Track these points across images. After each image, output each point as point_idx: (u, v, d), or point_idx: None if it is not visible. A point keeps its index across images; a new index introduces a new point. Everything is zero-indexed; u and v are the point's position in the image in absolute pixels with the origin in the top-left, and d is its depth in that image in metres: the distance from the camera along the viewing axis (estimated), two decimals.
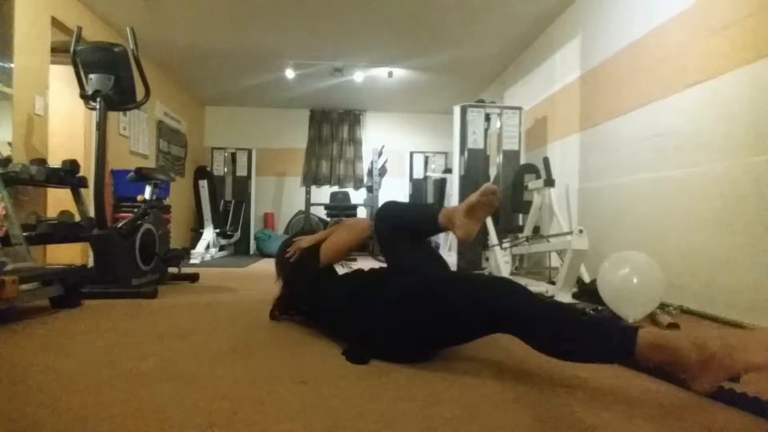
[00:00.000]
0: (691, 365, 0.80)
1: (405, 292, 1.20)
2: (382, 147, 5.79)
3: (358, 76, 5.19)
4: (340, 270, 1.60)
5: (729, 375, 0.78)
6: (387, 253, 1.48)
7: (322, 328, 1.53)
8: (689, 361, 0.80)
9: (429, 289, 1.17)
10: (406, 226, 1.42)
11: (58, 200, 3.08)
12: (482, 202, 1.21)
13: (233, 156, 6.37)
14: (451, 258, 3.99)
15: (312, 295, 1.54)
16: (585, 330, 0.94)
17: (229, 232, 5.88)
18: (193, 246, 5.17)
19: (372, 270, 1.52)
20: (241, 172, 6.33)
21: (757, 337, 0.79)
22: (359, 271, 1.58)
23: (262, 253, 5.82)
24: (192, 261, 4.55)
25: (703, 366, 0.79)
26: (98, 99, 2.34)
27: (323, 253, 1.54)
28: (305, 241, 1.61)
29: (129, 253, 2.43)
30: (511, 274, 3.05)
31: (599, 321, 0.96)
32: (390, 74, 5.11)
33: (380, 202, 5.64)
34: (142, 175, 2.69)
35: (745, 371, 0.76)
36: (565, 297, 2.27)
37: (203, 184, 5.63)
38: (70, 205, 2.80)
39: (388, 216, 1.46)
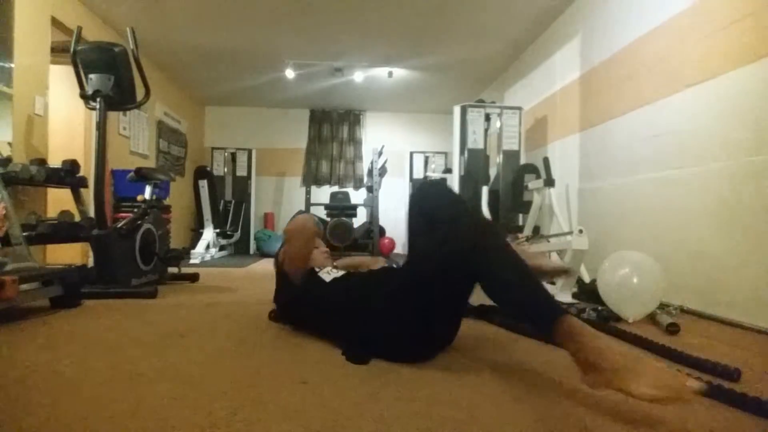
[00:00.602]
0: (586, 364, 0.89)
1: (397, 285, 1.23)
2: (382, 147, 5.79)
3: (358, 76, 5.19)
4: (328, 276, 1.49)
5: (612, 389, 0.85)
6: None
7: (319, 334, 1.48)
8: (587, 360, 0.89)
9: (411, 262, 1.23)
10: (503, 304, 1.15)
11: (58, 200, 3.08)
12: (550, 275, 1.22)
13: (233, 156, 6.37)
14: None
15: (301, 307, 1.51)
16: (527, 302, 1.02)
17: (229, 232, 5.88)
18: (193, 246, 5.16)
19: (366, 272, 1.50)
20: (241, 172, 6.33)
21: (652, 372, 0.82)
22: (350, 274, 1.50)
23: (262, 253, 5.82)
24: (192, 261, 4.55)
25: (595, 370, 0.88)
26: (98, 99, 2.34)
27: (285, 269, 1.52)
28: (281, 255, 1.59)
29: (129, 253, 2.43)
30: None
31: (542, 297, 1.00)
32: (390, 74, 5.11)
33: (381, 203, 5.65)
34: (142, 175, 2.69)
35: (626, 394, 0.83)
36: (565, 297, 2.27)
37: (203, 184, 5.63)
38: (70, 205, 2.80)
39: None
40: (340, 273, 1.49)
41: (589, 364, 0.88)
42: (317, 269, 1.52)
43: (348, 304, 1.33)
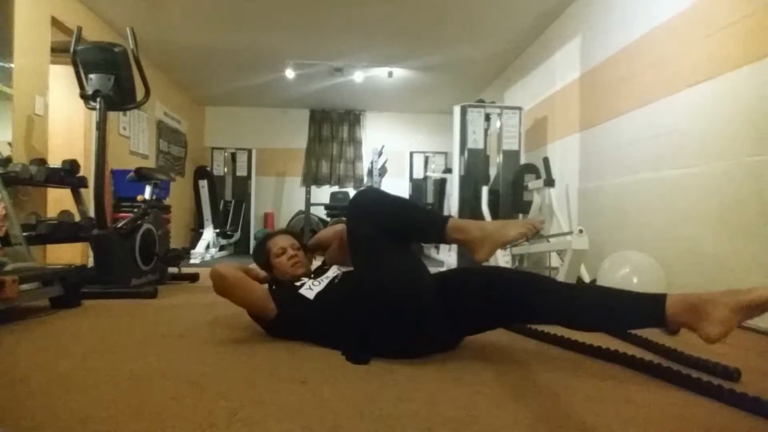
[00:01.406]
0: (474, 241, 1.17)
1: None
2: (382, 147, 5.79)
3: (358, 76, 5.19)
4: (311, 291, 1.38)
5: (496, 248, 1.16)
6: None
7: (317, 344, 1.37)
8: (473, 238, 1.17)
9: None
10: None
11: (58, 200, 3.08)
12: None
13: (233, 156, 6.37)
14: (450, 258, 3.99)
15: (291, 326, 1.41)
16: (418, 221, 1.28)
17: (229, 232, 5.88)
18: (193, 246, 5.17)
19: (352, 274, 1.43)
20: (241, 172, 6.33)
21: (512, 224, 1.19)
22: (332, 284, 1.41)
23: None
24: (192, 261, 4.56)
25: (481, 241, 1.16)
26: (98, 99, 2.34)
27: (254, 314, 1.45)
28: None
29: (129, 253, 2.43)
30: None
31: (426, 214, 1.36)
32: (390, 74, 5.11)
33: None
34: (142, 175, 2.69)
35: (504, 245, 1.17)
36: None
37: (203, 184, 5.63)
38: (70, 205, 2.80)
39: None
40: (323, 284, 1.39)
41: (475, 242, 1.16)
42: (297, 284, 1.42)
43: (339, 315, 1.30)
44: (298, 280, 1.46)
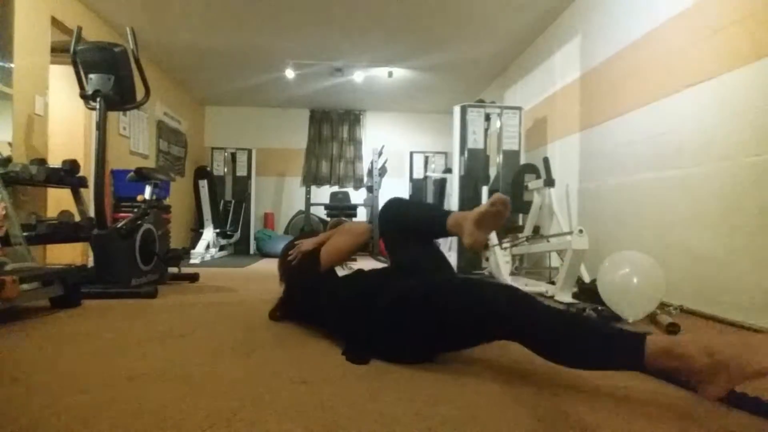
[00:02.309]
0: (701, 372, 0.80)
1: (404, 294, 1.20)
2: (382, 147, 5.80)
3: (358, 76, 5.19)
4: (341, 272, 1.60)
5: (739, 381, 0.78)
6: (391, 251, 1.51)
7: (324, 330, 1.51)
8: (700, 367, 0.80)
9: (428, 295, 1.16)
10: (414, 228, 1.43)
11: (58, 200, 3.08)
12: (491, 212, 1.19)
13: (233, 156, 6.37)
14: (451, 258, 3.99)
15: (314, 297, 1.53)
16: (589, 337, 0.94)
17: (229, 232, 5.88)
18: (193, 246, 5.16)
19: (373, 270, 1.51)
20: (241, 172, 6.33)
21: (763, 343, 0.78)
22: (360, 272, 1.59)
23: (262, 253, 5.82)
24: (192, 261, 4.55)
25: (714, 372, 0.79)
26: (98, 99, 2.34)
27: (324, 257, 1.54)
28: (306, 244, 1.61)
29: (129, 253, 2.43)
30: (511, 274, 3.05)
31: (604, 328, 0.96)
32: (390, 74, 5.11)
33: (380, 202, 5.64)
34: (142, 175, 2.69)
35: (754, 377, 0.76)
36: (565, 297, 2.27)
37: (203, 184, 5.63)
38: (70, 205, 2.80)
39: (394, 216, 1.47)
40: (352, 270, 1.62)
41: (700, 373, 0.80)
42: None
43: (354, 301, 1.35)
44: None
